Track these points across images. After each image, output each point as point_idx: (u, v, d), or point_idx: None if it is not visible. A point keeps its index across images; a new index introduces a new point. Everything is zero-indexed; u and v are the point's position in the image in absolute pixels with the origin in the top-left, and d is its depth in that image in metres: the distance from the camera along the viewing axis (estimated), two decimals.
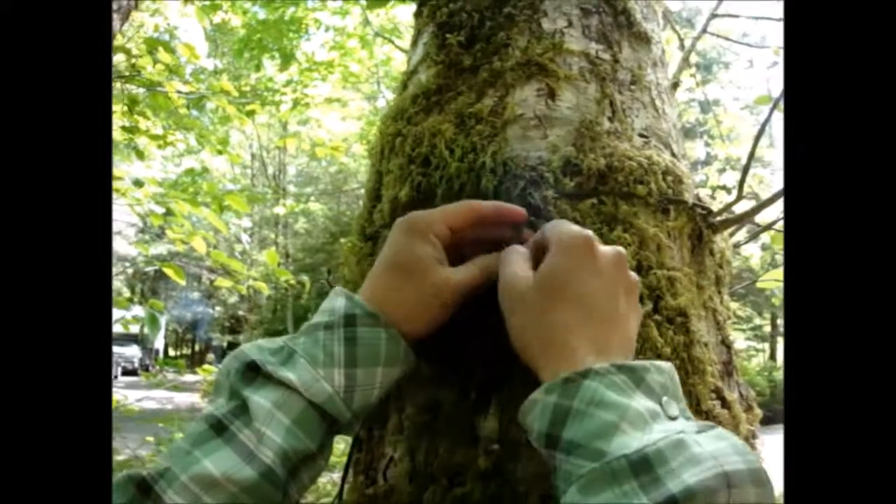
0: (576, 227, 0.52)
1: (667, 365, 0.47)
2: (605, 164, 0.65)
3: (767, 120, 0.89)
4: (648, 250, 0.62)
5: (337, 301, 0.54)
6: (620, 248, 0.53)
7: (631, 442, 0.41)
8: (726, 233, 0.79)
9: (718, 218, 0.72)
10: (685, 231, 0.68)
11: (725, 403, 0.61)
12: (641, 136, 0.74)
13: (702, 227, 0.70)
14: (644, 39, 0.84)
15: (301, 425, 0.49)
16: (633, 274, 0.53)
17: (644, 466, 0.39)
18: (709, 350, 0.63)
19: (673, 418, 0.44)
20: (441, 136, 0.70)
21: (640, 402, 0.43)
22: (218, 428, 0.48)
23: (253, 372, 0.50)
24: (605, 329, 0.48)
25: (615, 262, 0.51)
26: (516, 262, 0.53)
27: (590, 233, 0.52)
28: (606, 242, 0.61)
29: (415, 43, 0.90)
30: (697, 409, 0.58)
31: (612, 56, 0.78)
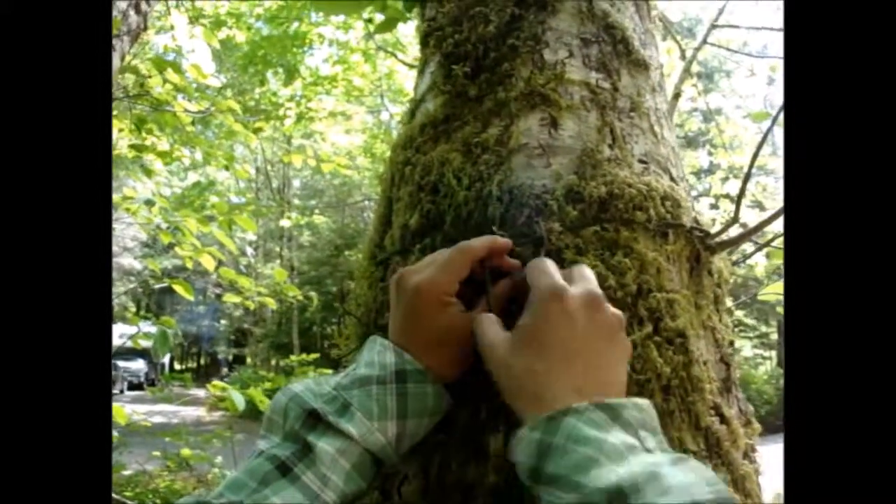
0: (546, 280, 0.55)
1: (644, 402, 0.51)
2: (606, 191, 0.69)
3: (764, 139, 0.92)
4: (648, 274, 0.65)
5: (386, 355, 0.59)
6: (593, 290, 0.55)
7: (608, 475, 0.44)
8: (725, 252, 0.82)
9: (716, 240, 0.75)
10: (684, 254, 0.71)
11: (724, 419, 0.64)
12: (641, 161, 0.77)
13: (700, 249, 0.73)
14: (643, 66, 0.88)
15: (358, 470, 0.55)
16: (612, 311, 0.55)
17: (619, 497, 0.42)
18: (708, 368, 0.66)
19: (649, 450, 0.47)
20: (449, 164, 0.74)
21: (618, 437, 0.47)
22: (283, 469, 0.53)
23: (314, 419, 0.56)
24: (584, 372, 0.52)
25: (588, 306, 0.54)
26: (489, 329, 0.57)
27: (558, 282, 0.55)
28: (608, 267, 0.65)
29: (422, 72, 0.94)
30: (697, 426, 0.61)
31: (612, 84, 0.81)
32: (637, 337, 0.61)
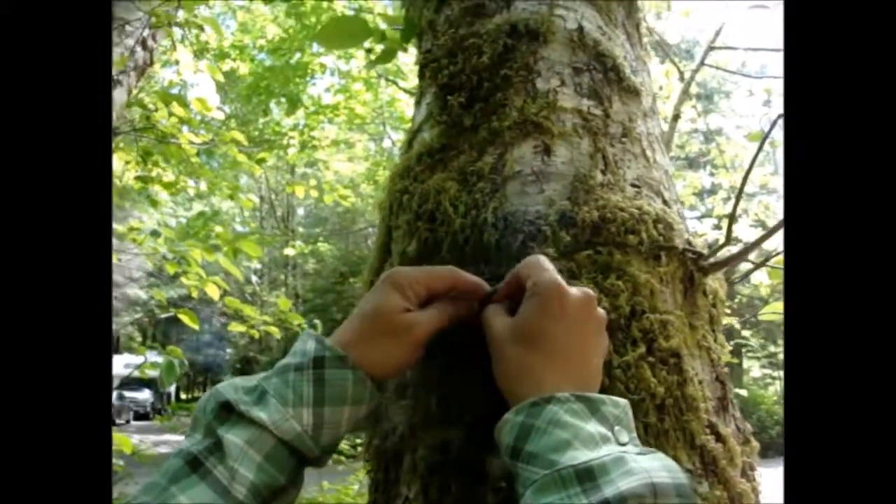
0: (546, 276, 0.58)
1: (622, 401, 0.55)
2: (599, 215, 0.70)
3: (755, 159, 0.93)
4: (641, 296, 0.67)
5: (308, 344, 0.58)
6: (588, 291, 0.59)
7: (580, 456, 0.48)
8: (720, 273, 0.83)
9: (709, 261, 0.76)
10: (677, 275, 0.73)
11: (720, 438, 0.65)
12: (633, 185, 0.79)
13: (693, 270, 0.74)
14: (634, 92, 0.90)
15: (271, 461, 0.53)
16: (601, 311, 0.60)
17: (588, 475, 0.47)
18: (703, 387, 0.67)
19: (622, 444, 0.51)
20: (445, 193, 0.76)
21: (593, 427, 0.51)
22: (193, 464, 0.52)
23: (226, 411, 0.55)
24: (571, 366, 0.56)
25: (583, 304, 0.58)
26: (496, 320, 0.60)
27: (558, 279, 0.58)
28: (601, 290, 0.66)
29: (419, 103, 0.97)
30: (692, 445, 0.62)
31: (604, 111, 0.83)
32: (630, 357, 0.63)
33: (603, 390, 0.59)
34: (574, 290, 0.58)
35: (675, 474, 0.47)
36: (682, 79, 5.18)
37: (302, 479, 0.58)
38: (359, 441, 5.14)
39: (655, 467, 0.47)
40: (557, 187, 0.74)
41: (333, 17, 1.42)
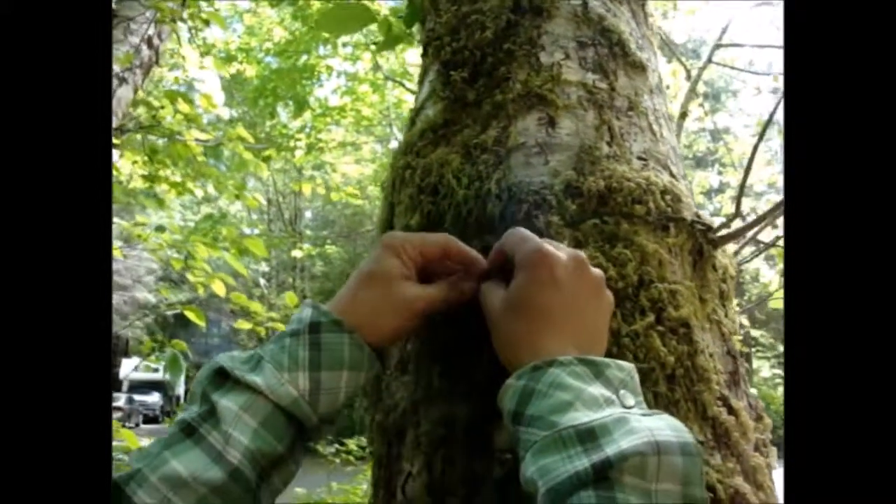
0: (531, 244, 0.57)
1: (628, 365, 0.53)
2: (605, 185, 0.69)
3: (760, 139, 0.92)
4: (650, 265, 0.65)
5: (304, 311, 0.57)
6: (577, 253, 0.57)
7: (581, 417, 0.47)
8: (730, 250, 0.82)
9: (719, 234, 0.75)
10: (686, 247, 0.71)
11: (732, 411, 0.63)
12: (640, 158, 0.77)
13: (702, 242, 0.73)
14: (640, 67, 0.88)
15: (268, 427, 0.51)
16: (595, 271, 0.58)
17: (589, 436, 0.45)
18: (714, 360, 0.65)
19: (628, 408, 0.49)
20: (448, 166, 0.74)
21: (597, 389, 0.49)
22: (188, 430, 0.50)
23: (222, 378, 0.53)
24: (569, 331, 0.54)
25: (574, 267, 0.56)
26: (493, 293, 0.59)
27: (543, 247, 0.56)
28: (608, 259, 0.64)
29: (421, 81, 0.95)
30: (704, 416, 0.60)
31: (609, 85, 0.82)
32: (639, 326, 0.61)
33: (611, 358, 0.57)
34: (561, 255, 0.56)
35: (679, 433, 0.45)
36: (688, 78, 5.15)
37: (301, 452, 0.56)
38: (364, 441, 5.13)
39: (659, 426, 0.45)
40: (562, 158, 0.73)
41: (335, 3, 1.41)
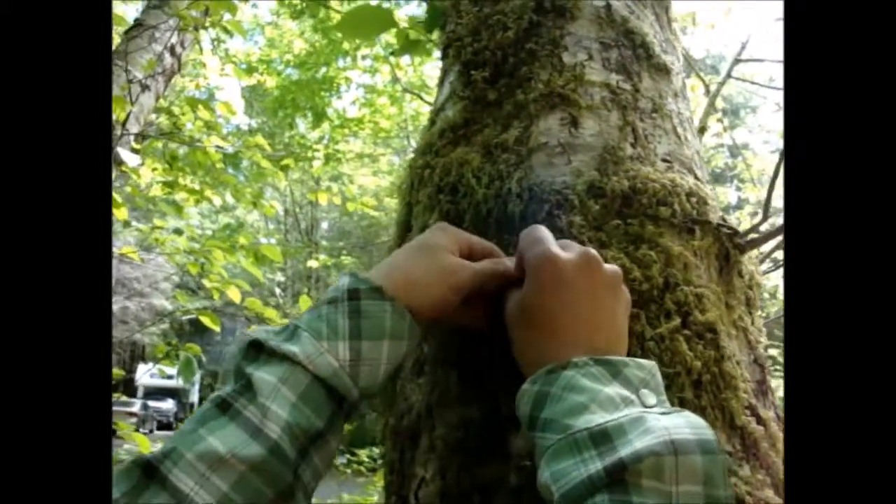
0: (535, 250, 0.54)
1: (649, 363, 0.50)
2: (629, 186, 0.67)
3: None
4: (675, 268, 0.63)
5: (342, 279, 0.54)
6: (588, 251, 0.54)
7: (597, 419, 0.45)
8: (755, 257, 0.79)
9: (746, 238, 0.72)
10: (712, 251, 0.69)
11: (761, 420, 0.60)
12: (664, 160, 0.75)
13: (728, 247, 0.70)
14: (664, 70, 0.87)
15: (307, 401, 0.48)
16: (610, 268, 0.55)
17: (604, 438, 0.43)
18: (741, 367, 0.62)
19: (649, 407, 0.46)
20: (468, 165, 0.73)
21: (614, 390, 0.47)
22: (223, 406, 0.47)
23: (256, 350, 0.50)
24: (582, 333, 0.52)
25: (581, 268, 0.53)
26: (511, 299, 0.57)
27: (548, 250, 0.53)
28: (632, 260, 0.63)
29: (441, 83, 0.94)
30: (732, 425, 0.58)
31: (633, 86, 0.80)
32: (664, 329, 0.59)
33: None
34: (570, 255, 0.53)
35: (699, 430, 0.43)
36: (707, 93, 5.12)
37: (342, 429, 0.52)
38: (378, 450, 5.10)
39: (678, 424, 0.43)
40: (585, 158, 0.71)
41: (356, 6, 1.42)
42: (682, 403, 0.57)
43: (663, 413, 0.45)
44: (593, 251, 0.54)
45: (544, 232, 0.56)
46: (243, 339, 0.51)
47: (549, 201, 0.67)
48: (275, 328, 0.52)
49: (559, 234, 0.63)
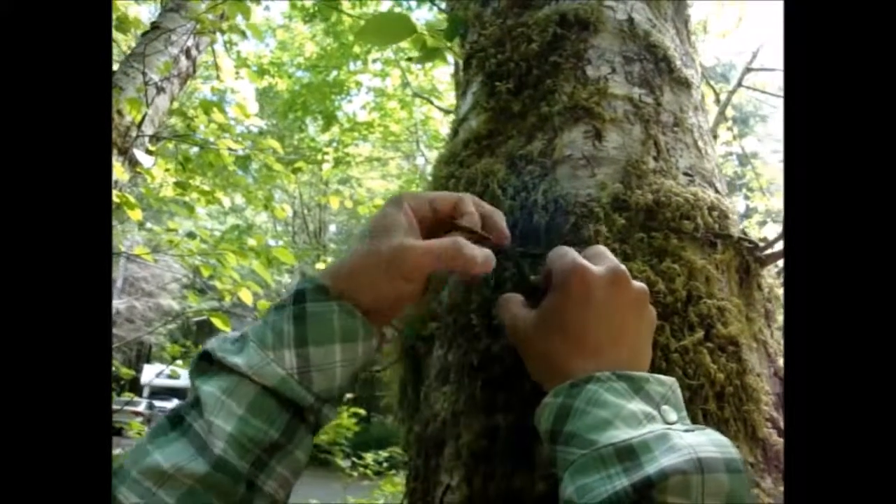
0: (568, 261, 0.54)
1: (669, 379, 0.51)
2: (653, 199, 0.68)
3: None
4: (698, 281, 0.64)
5: (293, 282, 0.53)
6: (617, 266, 0.54)
7: (621, 435, 0.45)
8: (774, 270, 0.80)
9: (765, 252, 0.73)
10: (733, 265, 0.70)
11: (782, 433, 0.61)
12: (686, 174, 0.76)
13: (749, 260, 0.71)
14: (685, 84, 0.88)
15: (256, 412, 0.47)
16: (637, 285, 0.54)
17: (629, 454, 0.44)
18: (762, 380, 0.63)
19: (670, 423, 0.47)
20: (493, 176, 0.74)
21: (636, 406, 0.47)
22: (175, 420, 0.47)
23: (207, 362, 0.49)
24: (608, 348, 0.52)
25: (611, 282, 0.53)
26: (513, 306, 0.57)
27: (578, 263, 0.53)
28: (656, 273, 0.63)
29: (464, 94, 0.96)
30: (754, 437, 0.59)
31: (655, 100, 0.81)
32: (688, 342, 0.60)
33: (660, 374, 0.55)
34: (599, 269, 0.53)
35: (724, 449, 0.43)
36: (717, 101, 5.13)
37: (305, 437, 0.51)
38: (384, 454, 5.11)
39: (702, 442, 0.43)
40: (609, 171, 0.72)
41: (376, 13, 1.43)
42: (706, 415, 0.58)
43: (686, 430, 0.46)
44: (622, 267, 0.54)
45: (571, 250, 0.57)
46: (199, 350, 0.51)
47: (574, 213, 0.68)
48: (232, 336, 0.52)
49: (584, 246, 0.65)
